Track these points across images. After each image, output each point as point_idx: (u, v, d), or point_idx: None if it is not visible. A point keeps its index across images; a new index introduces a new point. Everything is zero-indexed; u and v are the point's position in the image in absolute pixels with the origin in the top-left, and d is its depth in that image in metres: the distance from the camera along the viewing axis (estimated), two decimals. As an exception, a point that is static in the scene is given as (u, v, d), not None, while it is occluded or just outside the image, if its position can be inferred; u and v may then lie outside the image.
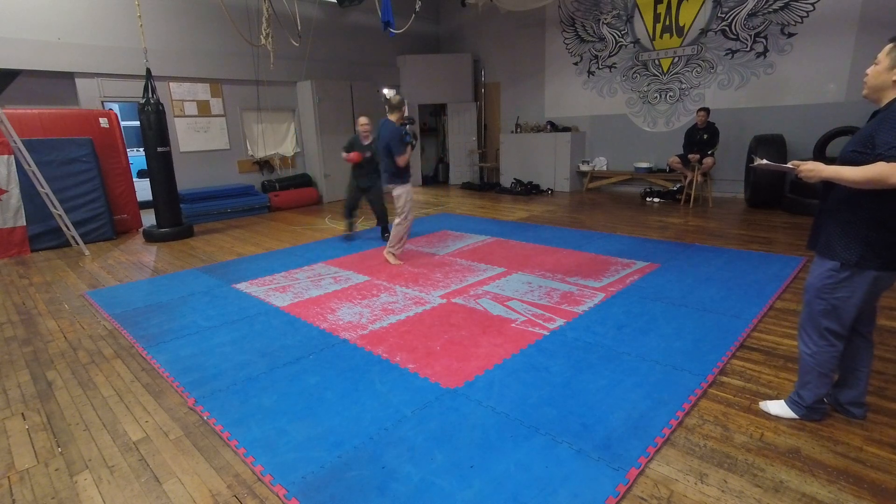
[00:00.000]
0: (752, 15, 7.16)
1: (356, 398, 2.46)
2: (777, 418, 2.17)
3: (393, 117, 4.52)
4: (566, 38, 9.31)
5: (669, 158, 7.55)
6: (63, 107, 6.65)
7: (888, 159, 1.67)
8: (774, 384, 2.46)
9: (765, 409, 2.23)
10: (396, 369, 2.73)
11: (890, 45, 1.81)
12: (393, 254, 4.83)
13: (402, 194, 4.61)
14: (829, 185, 1.93)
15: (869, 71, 1.87)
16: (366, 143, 5.57)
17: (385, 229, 5.87)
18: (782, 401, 2.22)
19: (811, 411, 2.12)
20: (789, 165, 1.98)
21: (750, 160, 7.04)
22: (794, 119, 7.03)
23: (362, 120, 5.60)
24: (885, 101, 1.82)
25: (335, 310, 3.66)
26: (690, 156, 7.13)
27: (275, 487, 1.86)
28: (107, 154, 6.54)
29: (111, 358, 3.06)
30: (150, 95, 6.05)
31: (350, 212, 5.93)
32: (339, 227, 6.81)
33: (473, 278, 4.27)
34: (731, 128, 7.54)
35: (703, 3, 7.56)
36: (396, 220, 4.69)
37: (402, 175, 4.61)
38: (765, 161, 2.08)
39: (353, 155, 5.45)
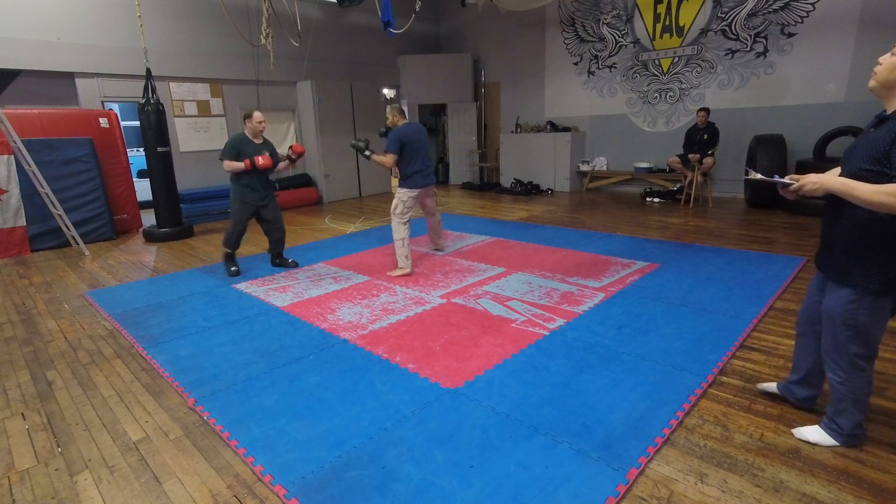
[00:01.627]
0: (752, 15, 7.16)
1: (356, 398, 2.46)
2: (773, 410, 2.17)
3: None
4: (566, 38, 9.31)
5: (669, 158, 7.54)
6: (63, 107, 6.65)
7: None
8: (774, 384, 2.46)
9: (801, 437, 2.03)
10: (396, 369, 2.73)
11: None
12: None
13: None
14: (836, 200, 1.74)
15: (882, 60, 1.66)
16: (258, 141, 4.49)
17: (280, 255, 4.85)
18: (818, 426, 2.04)
19: (851, 438, 1.96)
20: (787, 180, 1.79)
21: (749, 163, 7.04)
22: (794, 119, 7.03)
23: (258, 116, 4.43)
24: (894, 101, 1.65)
25: (335, 310, 3.66)
26: (690, 156, 7.13)
27: (275, 487, 1.86)
28: (107, 154, 6.54)
29: (111, 358, 3.06)
30: (150, 95, 6.05)
31: (238, 240, 4.60)
32: (340, 226, 6.82)
33: (473, 278, 4.27)
34: (731, 128, 7.54)
35: (703, 3, 7.56)
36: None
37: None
38: (759, 175, 1.88)
39: (265, 159, 4.28)
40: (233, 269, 4.67)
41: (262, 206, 4.57)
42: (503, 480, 1.84)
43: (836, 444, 1.98)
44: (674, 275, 4.13)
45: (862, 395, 1.90)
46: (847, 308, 1.80)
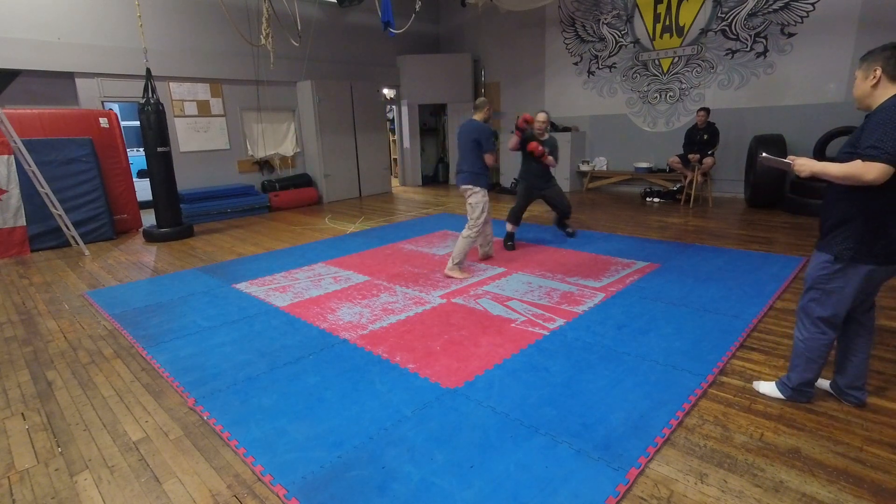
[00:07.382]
0: (752, 15, 7.16)
1: (356, 398, 2.46)
2: (772, 409, 2.18)
3: (478, 116, 4.45)
4: (566, 38, 9.31)
5: (669, 158, 7.55)
6: (63, 107, 6.65)
7: (864, 158, 1.79)
8: (774, 384, 2.46)
9: (756, 388, 2.38)
10: (396, 369, 2.73)
11: (860, 62, 1.97)
12: (459, 268, 4.33)
13: (481, 200, 4.25)
14: (829, 182, 2.01)
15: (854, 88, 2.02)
16: (543, 138, 5.32)
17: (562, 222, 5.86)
18: (773, 382, 2.34)
19: (797, 393, 2.23)
20: (787, 160, 2.09)
21: (750, 160, 7.04)
22: (794, 119, 7.03)
23: (541, 116, 5.37)
24: (875, 105, 1.92)
25: (335, 310, 3.66)
26: (690, 156, 7.13)
27: (275, 487, 1.86)
28: (107, 154, 6.54)
29: (111, 358, 3.06)
30: (150, 95, 6.05)
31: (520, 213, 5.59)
32: (340, 226, 6.82)
33: (473, 278, 4.26)
34: (731, 128, 7.53)
35: (703, 3, 7.56)
36: (465, 232, 4.29)
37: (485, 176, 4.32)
38: (765, 155, 2.24)
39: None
40: (508, 243, 5.28)
41: (544, 187, 5.54)
42: (503, 480, 1.84)
43: (783, 397, 2.26)
44: (674, 275, 4.13)
45: (816, 356, 2.12)
46: (820, 272, 2.04)
